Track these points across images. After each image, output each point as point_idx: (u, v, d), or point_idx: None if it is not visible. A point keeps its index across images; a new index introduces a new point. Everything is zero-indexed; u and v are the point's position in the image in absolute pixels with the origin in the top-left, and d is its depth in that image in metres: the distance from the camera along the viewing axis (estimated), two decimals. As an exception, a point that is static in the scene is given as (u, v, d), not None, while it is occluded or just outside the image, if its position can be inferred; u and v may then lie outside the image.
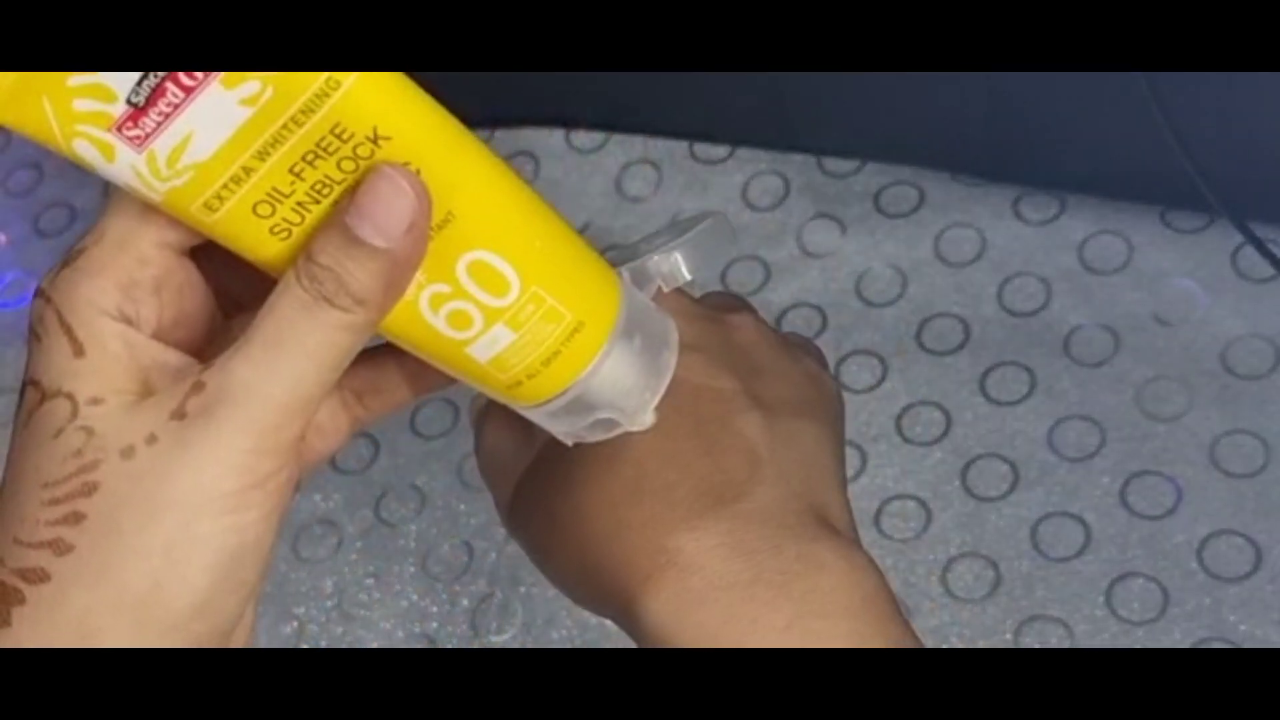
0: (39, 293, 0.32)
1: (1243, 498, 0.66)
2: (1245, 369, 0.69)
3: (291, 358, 0.31)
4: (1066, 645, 0.64)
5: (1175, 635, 0.64)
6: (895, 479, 0.70)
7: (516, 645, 0.70)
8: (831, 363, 0.74)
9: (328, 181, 0.32)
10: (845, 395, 0.72)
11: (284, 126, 0.31)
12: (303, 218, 0.32)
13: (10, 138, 0.96)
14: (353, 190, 0.31)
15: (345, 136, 0.32)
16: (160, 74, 0.31)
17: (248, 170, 0.31)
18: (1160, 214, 0.74)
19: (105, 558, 0.30)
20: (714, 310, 0.44)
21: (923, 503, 0.69)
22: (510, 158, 0.86)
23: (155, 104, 0.31)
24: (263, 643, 0.70)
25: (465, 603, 0.71)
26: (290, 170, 0.32)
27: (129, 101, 0.31)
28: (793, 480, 0.40)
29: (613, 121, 0.85)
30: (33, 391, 0.31)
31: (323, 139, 0.31)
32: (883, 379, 0.73)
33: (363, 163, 0.32)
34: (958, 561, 0.67)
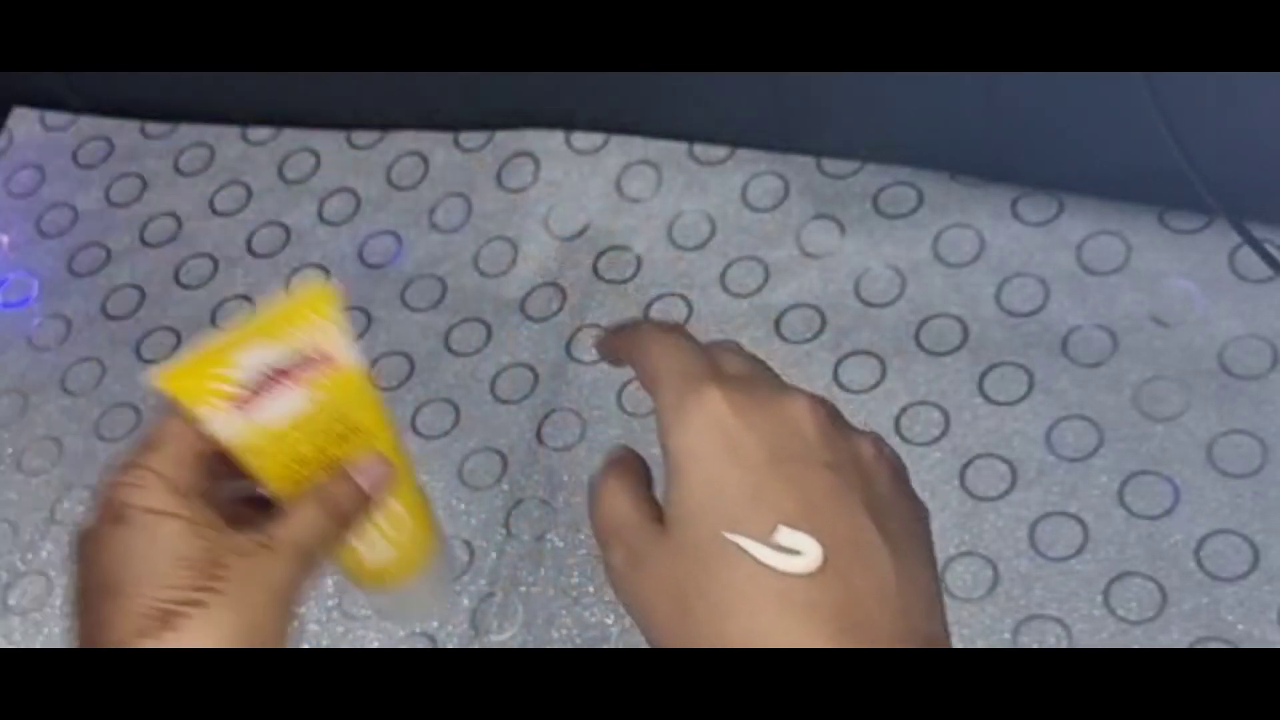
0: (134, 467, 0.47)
1: (1240, 498, 0.66)
2: (1243, 369, 0.70)
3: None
4: (1064, 645, 0.64)
5: (1173, 635, 0.64)
6: (894, 479, 0.70)
7: (516, 645, 0.70)
8: (830, 363, 0.74)
9: (326, 451, 0.51)
10: (844, 395, 0.73)
11: (323, 419, 0.49)
12: (310, 471, 0.50)
13: (12, 139, 0.96)
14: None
15: (353, 435, 0.50)
16: (269, 373, 0.48)
17: (294, 440, 0.49)
18: (1158, 215, 0.74)
19: (238, 601, 0.46)
20: (844, 427, 0.45)
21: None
22: (510, 159, 0.86)
23: (261, 391, 0.48)
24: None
25: (465, 602, 0.71)
26: (314, 444, 0.50)
27: (246, 387, 0.47)
28: (915, 617, 0.42)
29: (613, 122, 0.85)
30: (146, 514, 0.46)
31: (341, 432, 0.50)
32: (882, 379, 0.74)
33: (345, 444, 0.51)
34: (956, 561, 0.68)
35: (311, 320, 0.49)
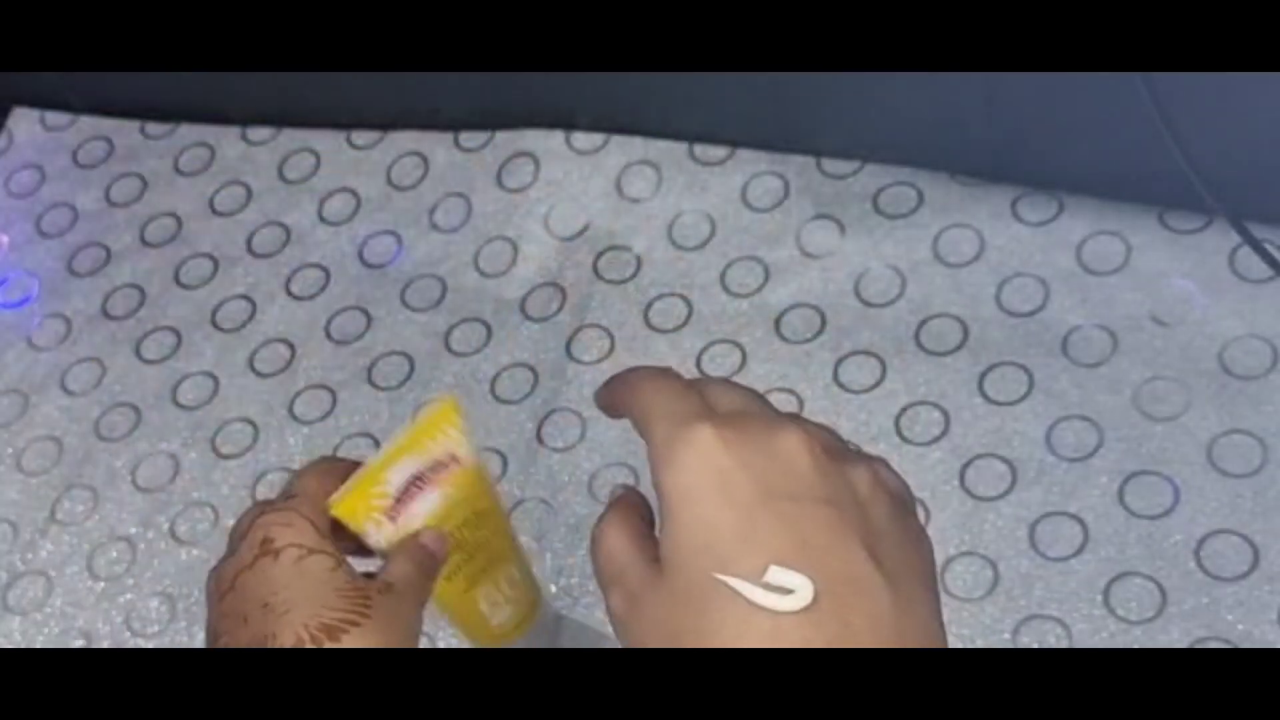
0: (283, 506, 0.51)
1: (1240, 497, 0.66)
2: (1243, 369, 0.70)
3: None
4: (1064, 644, 0.65)
5: (1173, 634, 0.64)
6: (894, 479, 0.70)
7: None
8: (830, 363, 0.74)
9: (463, 540, 0.58)
10: (844, 395, 0.73)
11: (453, 510, 0.56)
12: (449, 557, 0.57)
13: (12, 139, 0.96)
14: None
15: (476, 519, 0.58)
16: (411, 482, 0.55)
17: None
18: (1158, 215, 0.74)
19: (385, 626, 0.49)
20: (839, 459, 0.45)
21: (921, 502, 0.69)
22: (510, 159, 0.86)
23: (405, 499, 0.55)
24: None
25: (465, 602, 0.71)
26: (450, 534, 0.56)
27: (395, 499, 0.54)
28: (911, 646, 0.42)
29: (613, 122, 0.85)
30: (296, 549, 0.49)
31: (468, 518, 0.57)
32: (882, 379, 0.74)
33: (479, 529, 0.58)
34: (956, 561, 0.68)
35: (441, 429, 0.56)
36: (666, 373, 0.47)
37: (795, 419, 0.46)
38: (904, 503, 0.46)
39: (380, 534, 0.54)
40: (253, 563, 0.49)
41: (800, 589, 0.41)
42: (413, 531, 0.57)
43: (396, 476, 0.55)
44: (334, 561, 0.49)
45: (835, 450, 0.45)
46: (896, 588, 0.43)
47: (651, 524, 0.46)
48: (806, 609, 0.41)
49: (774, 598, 0.41)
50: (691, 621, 0.42)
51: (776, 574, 0.42)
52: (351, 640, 0.47)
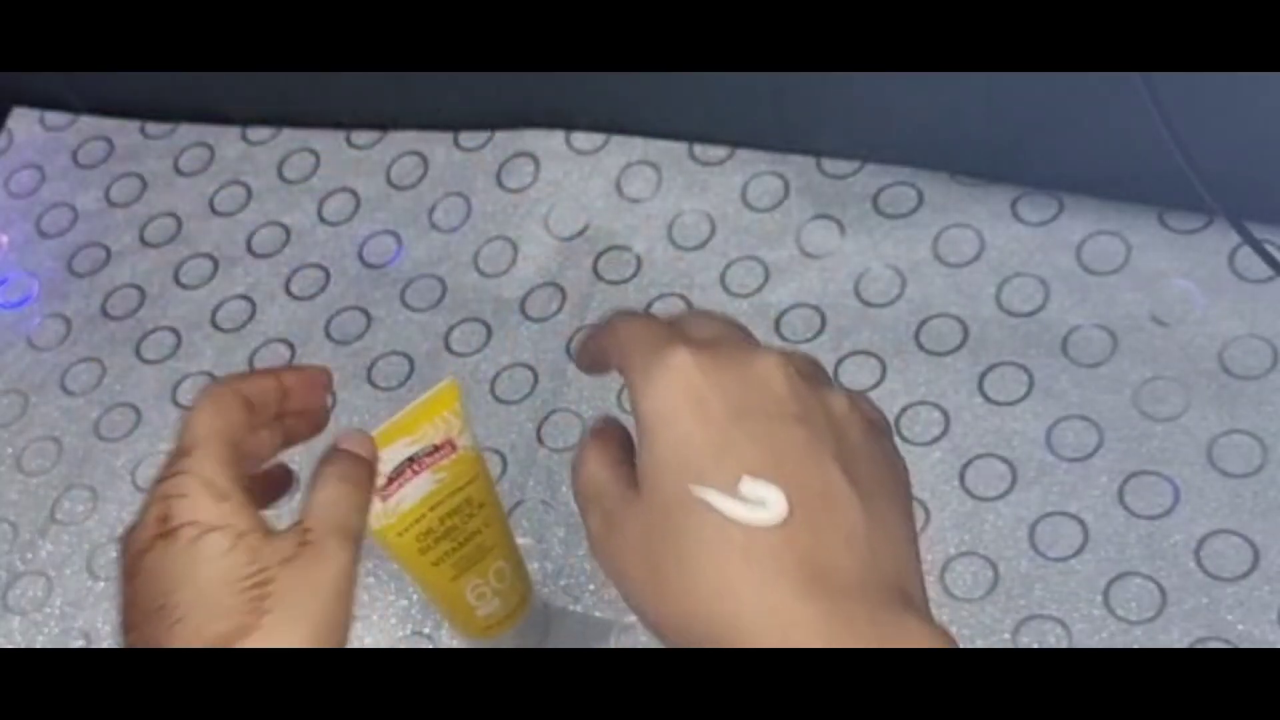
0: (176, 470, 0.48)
1: (1240, 498, 0.66)
2: (1243, 369, 0.70)
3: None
4: (1064, 644, 0.65)
5: (1173, 634, 0.64)
6: (894, 479, 0.70)
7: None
8: (830, 363, 0.74)
9: (453, 527, 0.59)
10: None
11: (444, 496, 0.58)
12: (437, 542, 0.59)
13: (12, 139, 0.96)
14: None
15: (468, 508, 0.59)
16: (405, 464, 0.56)
17: (422, 517, 0.58)
18: (1158, 215, 0.74)
19: (293, 613, 0.46)
20: (813, 381, 0.46)
21: (921, 502, 0.69)
22: (510, 159, 0.86)
23: (398, 480, 0.56)
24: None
25: (465, 602, 0.71)
26: (437, 516, 0.58)
27: (388, 478, 0.55)
28: (884, 563, 0.43)
29: (613, 122, 0.85)
30: (191, 528, 0.46)
31: (460, 505, 0.59)
32: (881, 379, 0.74)
33: (470, 518, 0.60)
34: (956, 561, 0.68)
35: (441, 413, 0.56)
36: (645, 313, 0.48)
37: (772, 346, 0.47)
38: (880, 428, 0.47)
39: (374, 515, 0.54)
40: (151, 544, 0.47)
41: (774, 502, 0.42)
42: (412, 516, 0.57)
43: (390, 456, 0.55)
44: (231, 538, 0.47)
45: (812, 376, 0.46)
46: (869, 504, 0.43)
47: (631, 453, 0.46)
48: (779, 522, 0.42)
49: (748, 510, 0.42)
50: (666, 535, 0.43)
51: (750, 487, 0.42)
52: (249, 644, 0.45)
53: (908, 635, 0.41)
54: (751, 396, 0.44)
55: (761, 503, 0.42)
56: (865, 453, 0.45)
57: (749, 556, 0.41)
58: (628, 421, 0.46)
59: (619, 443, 0.47)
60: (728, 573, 0.41)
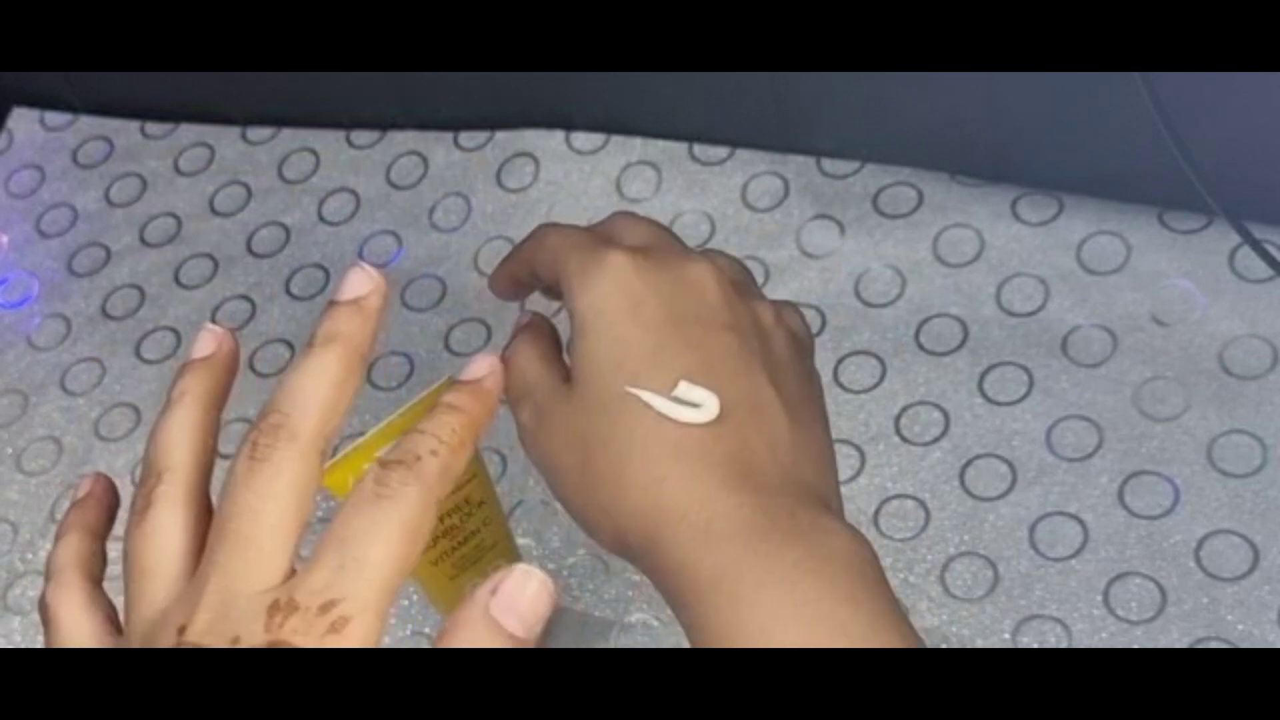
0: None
1: (1240, 498, 0.66)
2: (1243, 369, 0.70)
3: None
4: (1064, 644, 0.65)
5: (1173, 634, 0.64)
6: (894, 479, 0.70)
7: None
8: (830, 363, 0.74)
9: (452, 526, 0.59)
10: (844, 395, 0.73)
11: (452, 499, 0.57)
12: (436, 541, 0.58)
13: (12, 139, 0.96)
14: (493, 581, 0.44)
15: (467, 506, 0.58)
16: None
17: None
18: (1158, 215, 0.74)
19: None
20: (745, 294, 0.48)
21: (921, 502, 0.69)
22: (510, 159, 0.86)
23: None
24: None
25: (465, 602, 0.71)
26: (439, 519, 0.54)
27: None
28: (805, 471, 0.45)
29: (612, 123, 0.85)
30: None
31: (459, 504, 0.58)
32: (881, 379, 0.74)
33: (469, 518, 0.59)
34: (956, 561, 0.68)
35: None
36: (570, 225, 0.50)
37: (706, 252, 0.49)
38: (802, 341, 0.49)
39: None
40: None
41: (707, 404, 0.44)
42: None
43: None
44: (90, 640, 0.44)
45: (742, 285, 0.48)
46: (794, 413, 0.46)
47: (559, 349, 0.48)
48: (711, 423, 0.44)
49: (682, 410, 0.44)
50: (600, 430, 0.45)
51: (685, 389, 0.44)
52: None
53: (825, 532, 0.43)
54: (686, 302, 0.46)
55: (696, 405, 0.44)
56: (789, 364, 0.47)
57: (680, 452, 0.43)
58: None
59: (548, 338, 0.49)
60: (659, 466, 0.43)
